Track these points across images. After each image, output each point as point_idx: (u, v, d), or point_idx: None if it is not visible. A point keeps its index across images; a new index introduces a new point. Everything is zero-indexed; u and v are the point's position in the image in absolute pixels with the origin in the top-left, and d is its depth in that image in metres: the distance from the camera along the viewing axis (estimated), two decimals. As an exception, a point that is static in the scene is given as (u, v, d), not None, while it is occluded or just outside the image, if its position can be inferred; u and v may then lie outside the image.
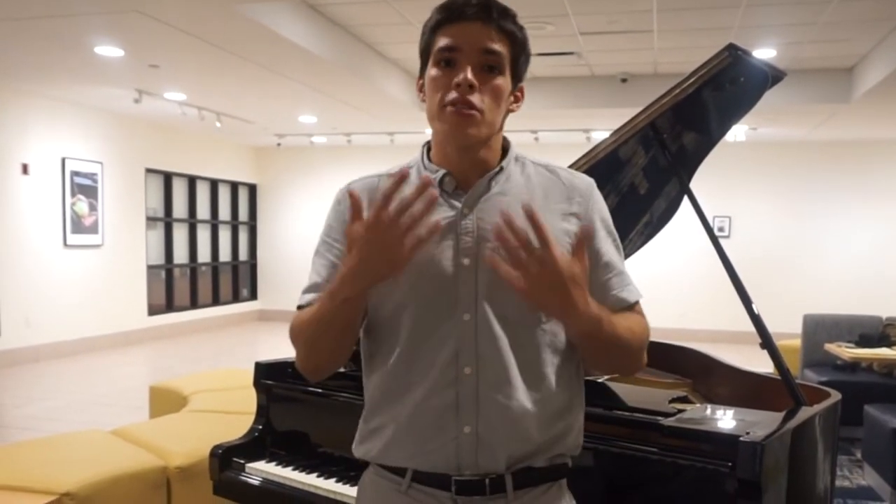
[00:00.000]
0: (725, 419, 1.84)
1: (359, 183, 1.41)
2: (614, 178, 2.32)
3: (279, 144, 11.88)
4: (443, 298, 1.29)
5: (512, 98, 1.36)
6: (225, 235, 12.48)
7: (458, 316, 1.29)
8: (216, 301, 12.17)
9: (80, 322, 9.07)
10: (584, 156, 2.16)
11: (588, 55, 7.35)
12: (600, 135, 9.03)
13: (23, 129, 8.26)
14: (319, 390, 2.35)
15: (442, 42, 1.31)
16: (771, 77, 2.19)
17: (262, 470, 2.29)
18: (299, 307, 1.38)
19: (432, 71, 1.32)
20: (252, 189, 13.01)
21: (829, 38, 6.69)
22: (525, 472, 1.31)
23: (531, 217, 1.14)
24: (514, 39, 1.33)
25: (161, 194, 10.86)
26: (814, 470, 1.87)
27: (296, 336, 1.36)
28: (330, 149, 12.20)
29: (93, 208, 9.30)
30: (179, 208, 11.28)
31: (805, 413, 1.82)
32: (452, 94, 1.28)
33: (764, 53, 6.87)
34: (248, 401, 2.70)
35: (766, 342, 2.08)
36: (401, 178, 1.16)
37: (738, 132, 9.68)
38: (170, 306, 11.04)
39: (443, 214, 1.31)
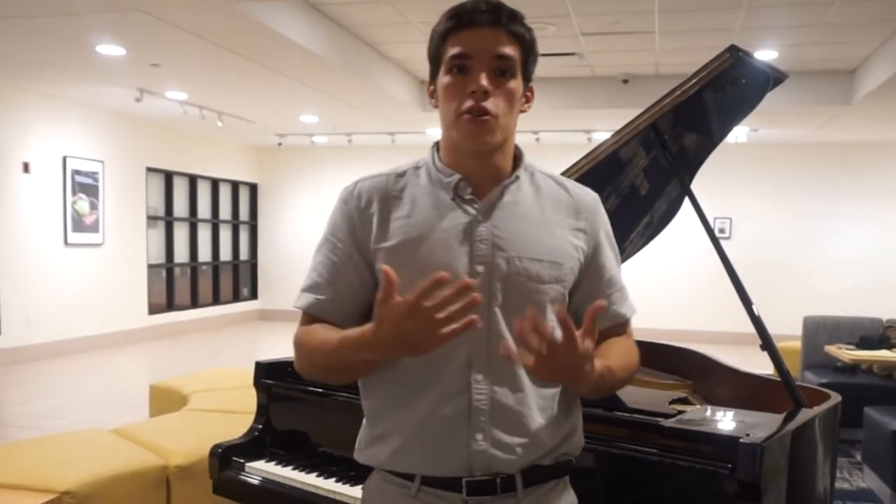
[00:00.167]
0: (725, 421, 1.84)
1: (367, 182, 1.39)
2: (615, 179, 2.32)
3: (280, 144, 11.89)
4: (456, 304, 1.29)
5: (523, 99, 1.37)
6: (226, 235, 12.48)
7: None
8: (216, 300, 12.18)
9: (80, 321, 9.07)
10: (585, 156, 2.16)
11: (590, 56, 7.35)
12: (601, 135, 9.03)
13: (24, 128, 8.27)
14: (319, 390, 2.35)
15: (453, 49, 1.31)
16: (772, 79, 2.19)
17: (261, 469, 2.29)
18: (299, 308, 1.38)
19: (445, 79, 1.33)
20: (253, 188, 13.02)
21: (831, 40, 6.69)
22: (533, 471, 1.33)
23: (562, 322, 1.13)
24: (523, 42, 1.33)
25: (162, 193, 10.86)
26: (813, 472, 1.87)
27: (301, 352, 1.36)
28: (331, 148, 12.20)
29: (94, 207, 9.31)
30: (180, 207, 11.28)
31: (805, 415, 1.82)
32: (468, 103, 1.28)
33: (765, 55, 6.87)
34: (248, 400, 2.70)
35: (767, 344, 2.08)
36: (441, 280, 1.12)
37: (739, 133, 9.67)
38: (170, 305, 11.04)
39: (458, 220, 1.32)
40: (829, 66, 7.71)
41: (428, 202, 1.34)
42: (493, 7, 1.31)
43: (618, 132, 2.15)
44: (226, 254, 12.47)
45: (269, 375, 2.48)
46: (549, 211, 1.37)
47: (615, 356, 1.34)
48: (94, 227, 9.32)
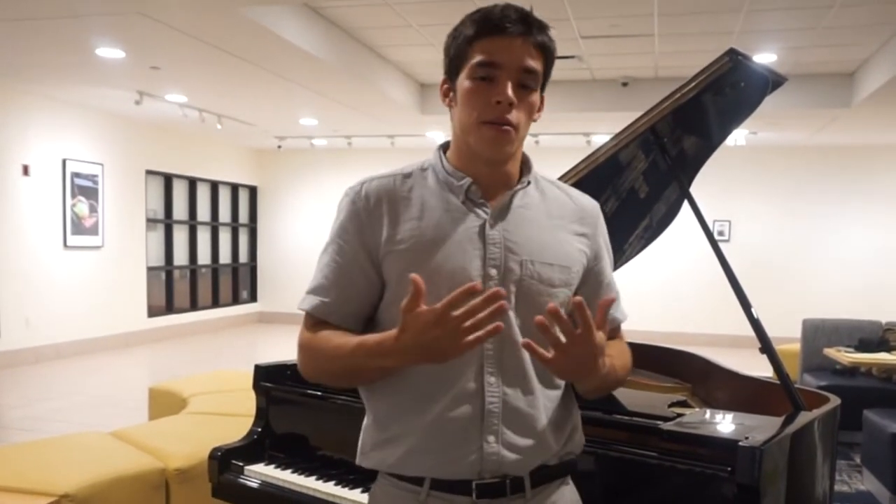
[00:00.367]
0: (724, 424, 1.84)
1: (374, 183, 1.38)
2: (614, 182, 2.32)
3: (280, 146, 11.90)
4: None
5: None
6: (225, 237, 12.48)
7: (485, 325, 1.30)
8: (216, 303, 12.17)
9: (79, 323, 9.07)
10: (584, 159, 2.16)
11: (589, 59, 7.36)
12: (601, 138, 9.04)
13: (23, 130, 8.27)
14: (319, 393, 2.35)
15: (480, 57, 1.28)
16: (771, 82, 2.19)
17: (261, 472, 2.29)
18: (304, 310, 1.37)
19: (467, 83, 1.31)
20: (252, 191, 13.02)
21: (829, 43, 6.70)
22: (541, 471, 1.34)
23: (579, 308, 1.15)
24: (549, 56, 1.33)
25: (161, 196, 10.87)
26: (813, 475, 1.87)
27: (309, 356, 1.35)
28: (330, 151, 12.21)
29: (93, 210, 9.31)
30: (180, 210, 11.28)
31: (804, 418, 1.82)
32: (493, 113, 1.28)
33: (765, 58, 6.88)
34: (247, 403, 2.70)
35: (766, 346, 2.09)
36: (472, 290, 1.13)
37: (738, 136, 9.68)
38: (170, 308, 11.04)
39: (470, 223, 1.32)
40: (828, 69, 7.72)
41: (438, 205, 1.34)
42: (523, 16, 1.29)
43: (617, 135, 2.16)
44: (225, 256, 12.47)
45: (268, 378, 2.48)
46: (555, 216, 1.39)
47: (615, 355, 1.37)
48: (93, 230, 9.33)
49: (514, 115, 1.28)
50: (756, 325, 2.12)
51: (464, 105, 1.32)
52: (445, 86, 1.37)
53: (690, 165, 2.43)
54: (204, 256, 11.89)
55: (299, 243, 12.32)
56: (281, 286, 12.66)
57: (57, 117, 8.71)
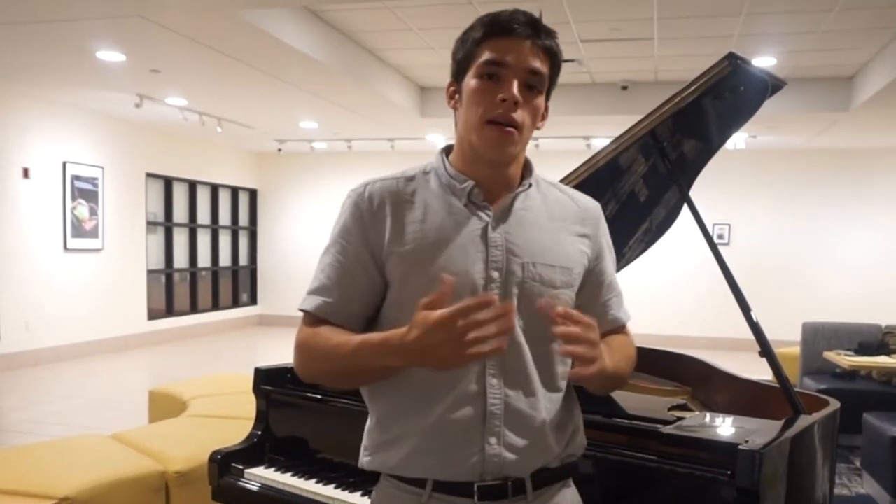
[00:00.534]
0: (724, 427, 1.84)
1: (377, 185, 1.38)
2: (614, 186, 2.32)
3: (280, 150, 11.90)
4: None
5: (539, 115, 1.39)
6: (225, 240, 12.48)
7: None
8: (216, 306, 12.17)
9: (79, 326, 9.07)
10: (584, 163, 2.16)
11: (589, 62, 7.37)
12: (601, 142, 9.05)
13: (24, 133, 8.28)
14: (319, 396, 2.36)
15: (488, 55, 1.30)
16: (771, 86, 2.20)
17: (260, 475, 2.29)
18: (305, 310, 1.36)
19: (473, 82, 1.32)
20: (252, 194, 13.02)
21: (829, 47, 6.71)
22: (543, 473, 1.34)
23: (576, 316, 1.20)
24: (555, 61, 1.35)
25: (161, 199, 10.87)
26: (812, 478, 1.87)
27: (306, 355, 1.35)
28: (330, 154, 12.22)
29: (93, 212, 9.31)
30: (180, 213, 11.29)
31: (804, 421, 1.82)
32: (497, 110, 1.29)
33: (764, 62, 6.89)
34: (247, 406, 2.70)
35: (765, 350, 2.09)
36: (486, 303, 1.14)
37: (738, 140, 9.69)
38: (170, 311, 11.04)
39: (473, 226, 1.33)
40: (827, 73, 7.73)
41: (441, 208, 1.34)
42: (531, 20, 1.32)
43: (617, 139, 2.16)
44: (225, 259, 12.47)
45: (268, 381, 2.48)
46: (556, 218, 1.39)
47: (617, 348, 1.38)
48: (93, 233, 9.33)
49: (519, 115, 1.29)
50: (756, 328, 2.12)
51: (469, 103, 1.33)
52: (451, 88, 1.38)
53: (690, 169, 2.44)
54: (204, 259, 11.89)
55: (299, 246, 12.32)
56: (281, 289, 12.66)
57: (57, 120, 8.71)
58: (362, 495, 2.04)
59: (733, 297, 2.14)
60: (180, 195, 11.27)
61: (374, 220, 1.34)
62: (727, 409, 2.17)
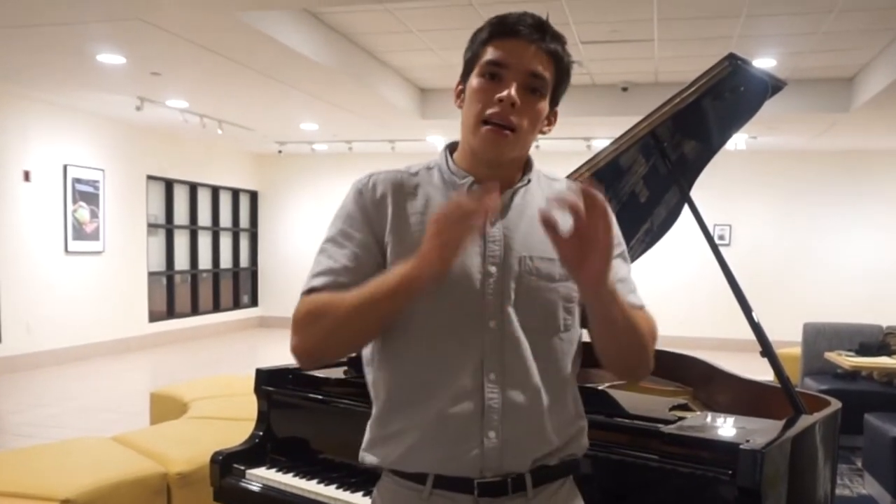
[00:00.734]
0: (726, 427, 1.84)
1: (382, 175, 1.40)
2: (615, 186, 2.33)
3: (280, 151, 11.91)
4: (469, 304, 1.31)
5: (545, 121, 1.39)
6: (226, 242, 12.49)
7: (484, 323, 1.30)
8: (217, 308, 12.17)
9: (80, 329, 9.07)
10: (585, 164, 2.17)
11: (589, 64, 7.37)
12: (601, 143, 9.03)
13: (24, 136, 8.28)
14: (320, 397, 2.36)
15: (491, 55, 1.31)
16: (771, 86, 2.20)
17: (262, 476, 2.29)
18: (314, 287, 1.33)
19: (475, 81, 1.33)
20: (253, 196, 13.03)
21: (829, 48, 6.71)
22: (542, 471, 1.34)
23: (583, 190, 1.20)
24: (559, 66, 1.35)
25: (162, 201, 10.88)
26: (814, 478, 1.87)
27: (316, 316, 1.30)
28: (331, 156, 12.22)
29: (94, 215, 9.32)
30: (180, 215, 11.29)
31: (805, 421, 1.82)
32: (493, 109, 1.29)
33: (764, 63, 6.89)
34: (248, 407, 2.71)
35: (767, 350, 2.09)
36: (492, 188, 1.18)
37: (738, 141, 9.69)
38: (171, 313, 11.04)
39: None
40: (827, 74, 7.73)
41: (442, 201, 1.35)
42: (538, 23, 1.33)
43: (617, 140, 2.16)
44: (226, 261, 12.48)
45: (269, 382, 2.48)
46: (556, 211, 1.38)
47: (635, 314, 1.34)
48: (94, 235, 9.33)
49: (516, 118, 1.29)
50: (757, 328, 2.12)
51: (469, 101, 1.34)
52: (459, 87, 1.39)
53: (691, 169, 2.44)
54: (205, 261, 11.90)
55: (300, 248, 12.32)
56: (282, 291, 12.65)
57: (58, 123, 8.72)
58: (364, 495, 2.04)
59: (734, 297, 2.14)
60: (181, 197, 11.28)
61: (377, 209, 1.36)
62: (728, 409, 2.17)
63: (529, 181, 1.40)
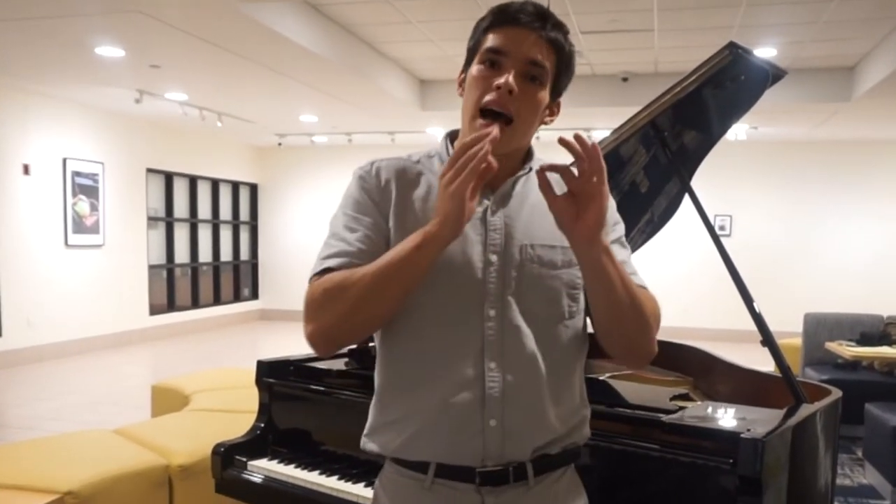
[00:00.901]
0: (726, 416, 1.84)
1: (384, 162, 1.40)
2: (615, 177, 2.32)
3: (280, 144, 11.90)
4: (470, 292, 1.30)
5: (547, 111, 1.38)
6: (226, 235, 12.49)
7: (485, 311, 1.30)
8: (217, 301, 12.18)
9: (81, 322, 9.08)
10: (585, 154, 2.15)
11: (589, 54, 7.35)
12: (601, 133, 9.00)
13: (24, 130, 8.27)
14: (321, 388, 2.36)
15: (491, 42, 1.31)
16: (771, 75, 2.19)
17: (264, 468, 2.30)
18: (328, 267, 1.30)
19: (475, 68, 1.33)
20: (253, 188, 13.02)
21: (830, 37, 6.69)
22: (543, 459, 1.34)
23: (576, 137, 1.18)
24: (561, 55, 1.34)
25: (162, 194, 10.87)
26: (815, 467, 1.87)
27: (337, 292, 1.26)
28: (331, 148, 12.21)
29: (94, 208, 9.31)
30: (180, 208, 11.29)
31: (806, 410, 1.82)
32: (491, 95, 1.29)
33: (765, 52, 6.87)
34: (249, 399, 2.71)
35: (767, 340, 2.09)
36: (493, 132, 1.20)
37: (739, 131, 9.68)
38: (171, 306, 11.05)
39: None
40: (828, 64, 7.71)
41: None
42: (540, 12, 1.32)
43: (617, 129, 2.16)
44: (226, 254, 12.48)
45: (270, 374, 2.48)
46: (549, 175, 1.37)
47: (636, 288, 1.32)
48: (94, 229, 9.33)
49: (514, 106, 1.29)
50: (758, 318, 2.12)
51: (468, 89, 1.34)
52: (462, 76, 1.39)
53: (691, 159, 2.43)
54: (205, 254, 11.90)
55: (300, 240, 12.32)
56: (282, 283, 12.66)
57: (57, 116, 8.71)
58: (365, 486, 2.04)
59: (735, 287, 2.13)
60: (181, 190, 11.27)
61: (382, 194, 1.36)
62: (729, 399, 2.17)
63: (530, 170, 1.39)
